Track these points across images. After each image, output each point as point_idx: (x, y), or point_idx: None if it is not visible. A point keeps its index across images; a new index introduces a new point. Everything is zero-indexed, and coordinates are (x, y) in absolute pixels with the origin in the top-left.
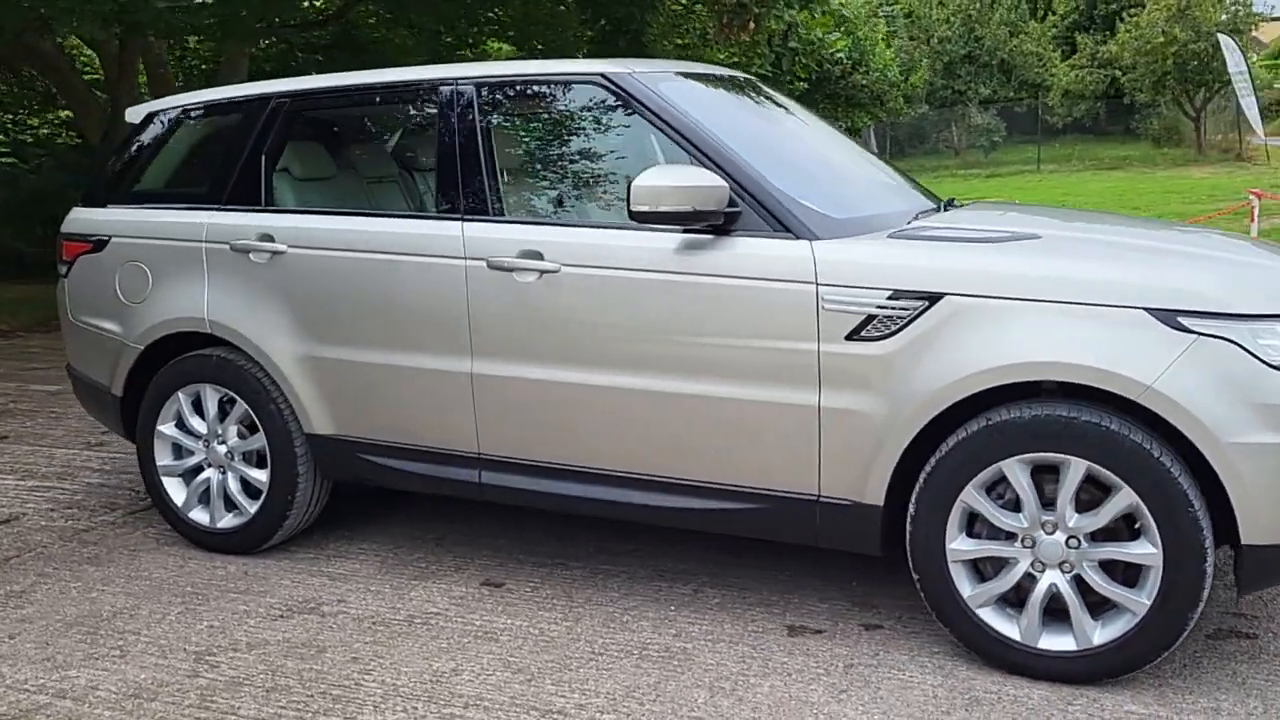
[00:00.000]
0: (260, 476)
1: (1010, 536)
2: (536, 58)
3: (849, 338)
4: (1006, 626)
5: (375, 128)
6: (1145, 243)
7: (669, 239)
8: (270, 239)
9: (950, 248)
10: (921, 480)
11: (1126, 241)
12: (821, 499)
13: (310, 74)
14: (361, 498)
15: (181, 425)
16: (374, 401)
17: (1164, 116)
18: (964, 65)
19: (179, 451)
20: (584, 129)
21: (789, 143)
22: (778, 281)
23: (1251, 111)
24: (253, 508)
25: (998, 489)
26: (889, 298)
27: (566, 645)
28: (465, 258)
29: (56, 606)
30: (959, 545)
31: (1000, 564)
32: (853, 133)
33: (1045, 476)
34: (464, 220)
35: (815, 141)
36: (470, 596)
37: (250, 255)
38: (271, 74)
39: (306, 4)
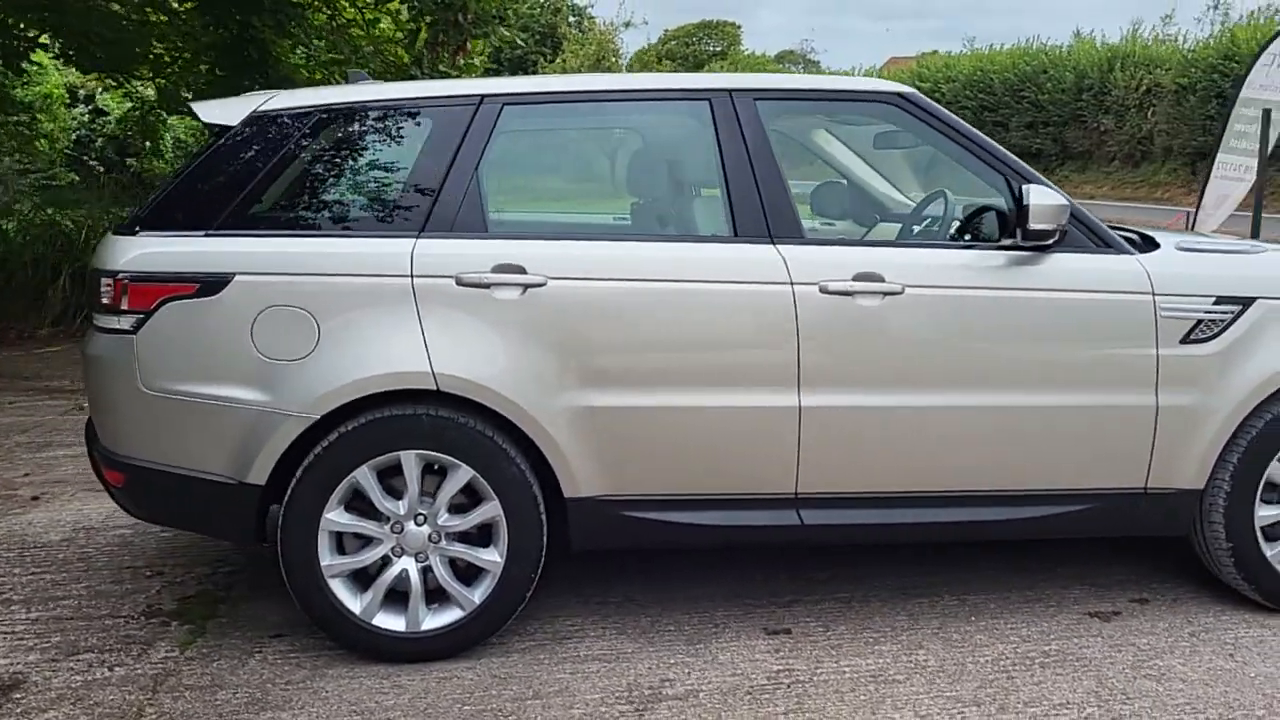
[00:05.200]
0: (490, 557)
1: None
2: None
3: (1182, 341)
4: None
5: (623, 139)
6: None
7: (997, 256)
8: (519, 270)
9: (1245, 258)
10: (1235, 460)
11: None
12: (1149, 491)
13: None
14: None
15: (357, 509)
16: (662, 451)
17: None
18: None
19: (341, 545)
20: (875, 148)
21: None
22: (1119, 293)
23: None
24: (478, 597)
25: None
26: (1214, 303)
27: (978, 674)
28: (791, 283)
29: None
30: (1264, 512)
31: None
32: None
33: None
34: (776, 243)
35: None
36: (783, 648)
37: (492, 291)
38: None
39: None
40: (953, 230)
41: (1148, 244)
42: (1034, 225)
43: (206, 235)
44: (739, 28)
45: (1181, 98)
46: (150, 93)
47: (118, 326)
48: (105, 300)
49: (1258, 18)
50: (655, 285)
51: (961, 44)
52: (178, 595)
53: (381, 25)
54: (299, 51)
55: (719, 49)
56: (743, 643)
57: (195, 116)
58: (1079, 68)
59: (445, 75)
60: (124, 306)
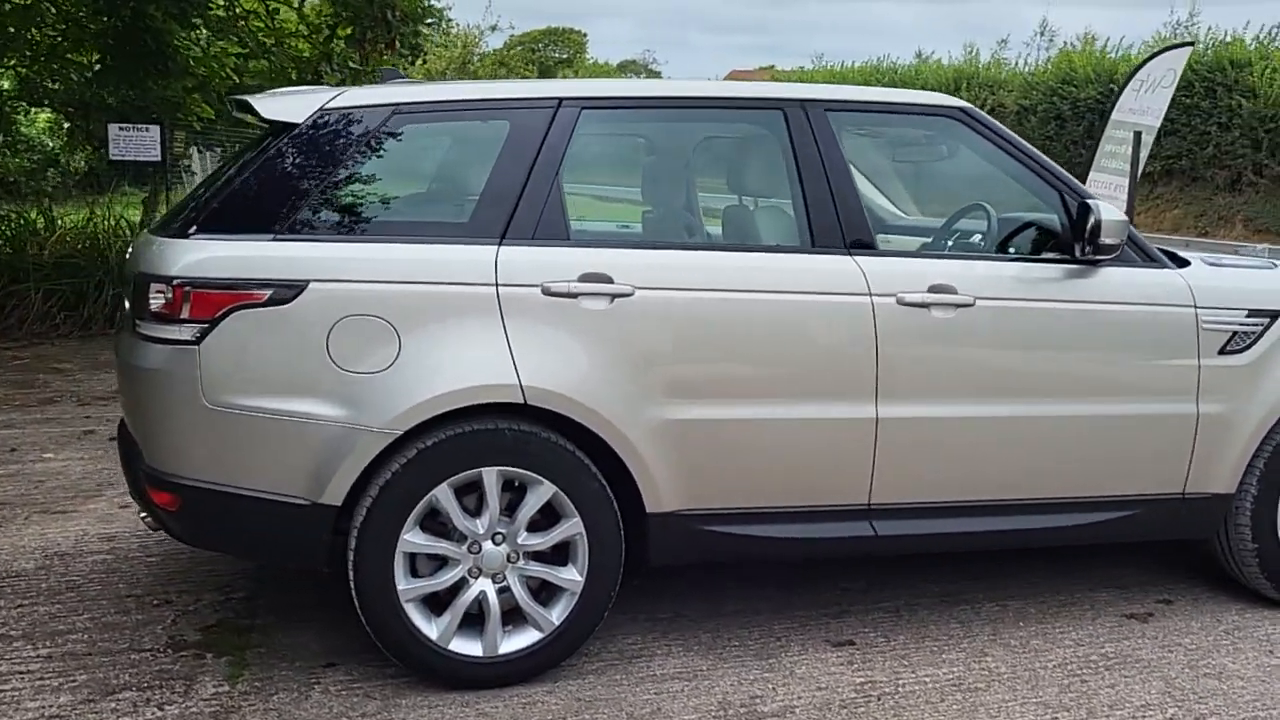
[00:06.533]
0: (570, 576)
1: None
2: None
3: (1220, 352)
4: None
5: (697, 146)
6: None
7: (1053, 270)
8: (607, 279)
9: (1268, 274)
10: (1261, 465)
11: None
12: (1186, 496)
13: None
14: None
15: (432, 529)
16: (743, 463)
17: None
18: None
19: (415, 567)
20: (941, 161)
21: None
22: (1168, 306)
23: None
24: (556, 617)
25: None
26: (1247, 316)
27: (1052, 680)
28: (871, 294)
29: None
30: None
31: None
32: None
33: None
34: (852, 254)
35: None
36: (855, 660)
37: (579, 301)
38: None
39: None
40: (997, 243)
41: (1177, 259)
42: (1105, 240)
43: (274, 239)
44: (585, 36)
45: (1023, 118)
46: (6, 84)
47: (176, 337)
48: (158, 308)
49: (1089, 44)
50: (741, 296)
51: (809, 60)
52: (197, 625)
53: (283, 18)
54: (181, 40)
55: (565, 56)
56: (812, 656)
57: (251, 110)
58: (927, 87)
59: (356, 72)
60: (184, 315)
